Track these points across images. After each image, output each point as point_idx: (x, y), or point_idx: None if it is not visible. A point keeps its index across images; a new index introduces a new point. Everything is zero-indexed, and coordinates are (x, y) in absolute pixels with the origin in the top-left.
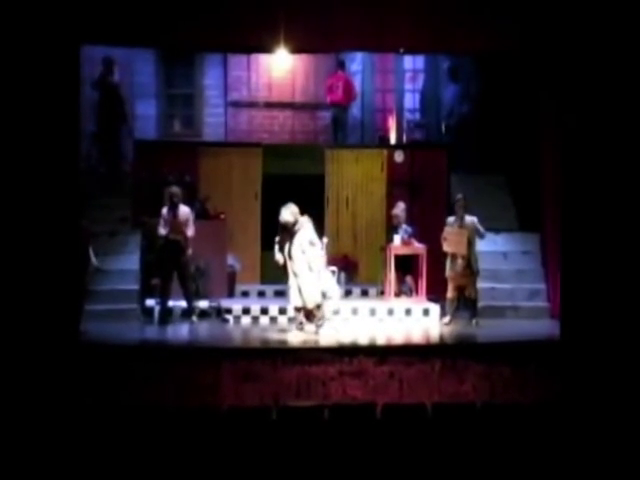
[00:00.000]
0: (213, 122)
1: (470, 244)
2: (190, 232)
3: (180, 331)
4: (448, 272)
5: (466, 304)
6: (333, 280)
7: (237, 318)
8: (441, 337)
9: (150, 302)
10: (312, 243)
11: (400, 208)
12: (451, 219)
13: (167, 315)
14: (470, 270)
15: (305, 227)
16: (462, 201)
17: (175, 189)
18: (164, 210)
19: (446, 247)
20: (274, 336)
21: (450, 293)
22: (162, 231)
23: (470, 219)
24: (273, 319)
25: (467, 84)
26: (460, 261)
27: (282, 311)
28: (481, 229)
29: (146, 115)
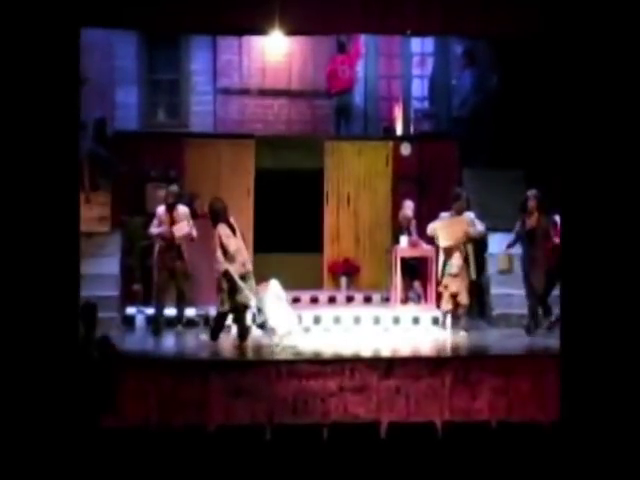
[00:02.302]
0: (201, 111)
1: (467, 243)
2: (194, 232)
3: (165, 342)
4: (442, 278)
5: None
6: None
7: (227, 327)
8: (452, 348)
9: (131, 310)
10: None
11: (409, 208)
12: (445, 214)
13: (161, 324)
14: (466, 273)
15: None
16: (462, 196)
17: (174, 188)
18: (160, 209)
19: (442, 241)
20: (268, 347)
21: (446, 305)
22: (154, 230)
23: (468, 214)
24: (263, 326)
25: (484, 71)
26: (456, 260)
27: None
28: (479, 227)
29: (127, 103)
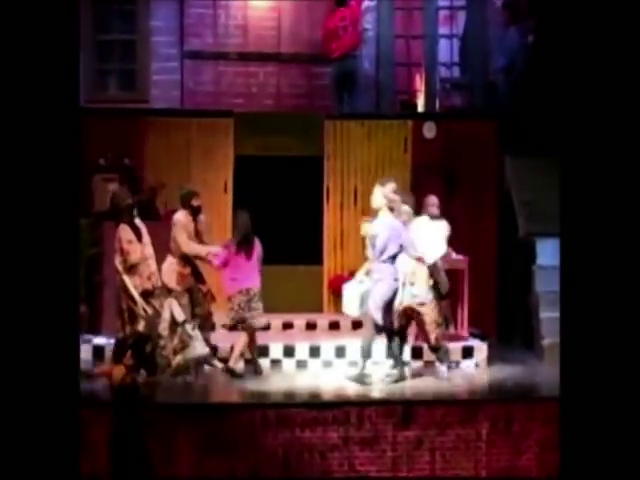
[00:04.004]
0: (164, 81)
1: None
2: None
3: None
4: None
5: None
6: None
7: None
8: (490, 388)
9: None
10: None
11: (434, 206)
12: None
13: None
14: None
15: None
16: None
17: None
18: (182, 216)
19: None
20: (252, 386)
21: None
22: (200, 249)
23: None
24: (250, 362)
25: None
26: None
27: (264, 351)
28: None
29: None
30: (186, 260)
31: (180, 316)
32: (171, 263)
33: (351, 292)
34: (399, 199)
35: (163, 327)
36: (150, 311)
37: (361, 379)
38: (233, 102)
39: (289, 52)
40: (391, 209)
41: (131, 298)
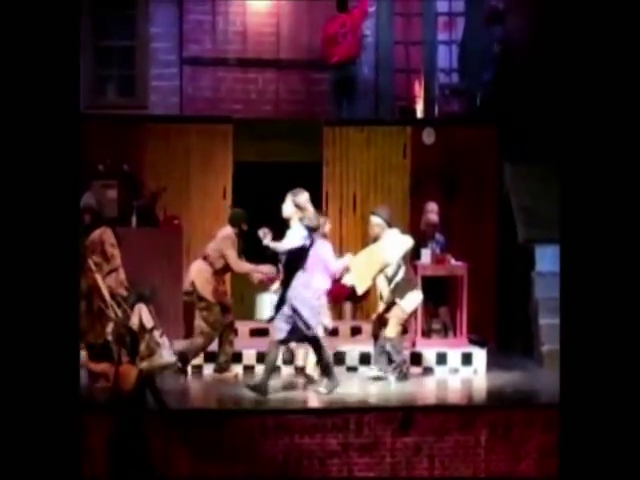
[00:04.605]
0: (163, 87)
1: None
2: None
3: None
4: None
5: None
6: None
7: (197, 368)
8: (489, 394)
9: None
10: None
11: (433, 212)
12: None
13: None
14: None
15: None
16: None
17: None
18: (229, 231)
19: None
20: (249, 393)
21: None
22: (254, 269)
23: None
24: (248, 368)
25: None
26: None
27: (261, 358)
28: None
29: None
30: (222, 273)
31: (149, 322)
32: (203, 271)
33: (264, 300)
34: (311, 210)
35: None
36: (120, 314)
37: (260, 388)
38: (232, 108)
39: (288, 58)
40: (301, 219)
41: (103, 300)
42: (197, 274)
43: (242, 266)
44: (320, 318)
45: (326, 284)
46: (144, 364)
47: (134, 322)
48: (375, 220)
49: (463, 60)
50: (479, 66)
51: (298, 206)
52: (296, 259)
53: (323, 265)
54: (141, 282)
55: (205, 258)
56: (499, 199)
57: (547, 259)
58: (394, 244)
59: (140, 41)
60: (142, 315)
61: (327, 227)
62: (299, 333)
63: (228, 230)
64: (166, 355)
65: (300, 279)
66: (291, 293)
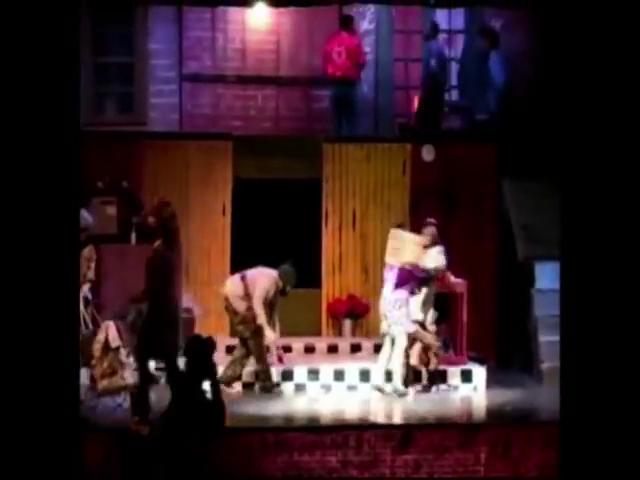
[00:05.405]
0: (162, 104)
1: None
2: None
3: (111, 403)
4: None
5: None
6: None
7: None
8: (489, 412)
9: None
10: None
11: (432, 229)
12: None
13: None
14: None
15: None
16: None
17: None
18: None
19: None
20: (248, 409)
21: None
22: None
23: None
24: (247, 385)
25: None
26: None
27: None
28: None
29: None
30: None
31: (115, 341)
32: (237, 289)
33: None
34: None
35: (96, 348)
36: (85, 329)
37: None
38: (232, 125)
39: (288, 75)
40: None
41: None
42: (231, 291)
43: (260, 313)
44: None
45: None
46: (104, 382)
47: (100, 339)
48: (429, 230)
49: (463, 77)
50: (479, 84)
51: None
52: None
53: None
54: (139, 298)
55: (242, 278)
56: (498, 216)
57: (547, 276)
58: (438, 257)
59: (139, 58)
60: (109, 333)
61: None
62: None
63: (276, 278)
64: (127, 376)
65: None
66: None
